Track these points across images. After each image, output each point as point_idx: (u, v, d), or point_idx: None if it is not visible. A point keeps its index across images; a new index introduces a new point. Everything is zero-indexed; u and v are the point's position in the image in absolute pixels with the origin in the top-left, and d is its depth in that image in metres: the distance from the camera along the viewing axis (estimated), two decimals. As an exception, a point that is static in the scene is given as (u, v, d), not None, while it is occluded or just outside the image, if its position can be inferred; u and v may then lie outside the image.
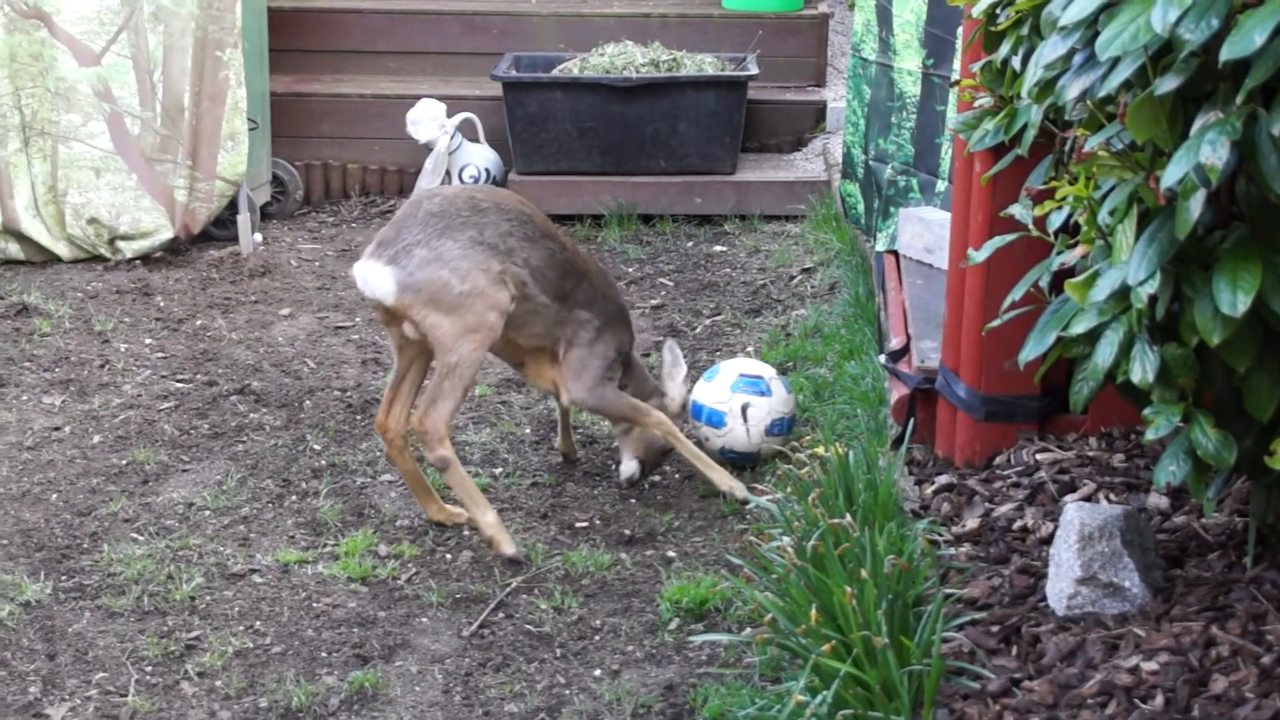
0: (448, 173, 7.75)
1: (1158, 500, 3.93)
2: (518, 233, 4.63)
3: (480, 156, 7.78)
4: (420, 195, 4.68)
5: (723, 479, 4.81)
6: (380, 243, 4.53)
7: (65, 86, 7.01)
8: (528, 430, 5.41)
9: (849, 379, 5.40)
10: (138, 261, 7.03)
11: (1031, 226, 3.54)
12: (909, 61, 5.85)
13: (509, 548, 4.54)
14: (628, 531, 4.74)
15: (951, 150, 5.66)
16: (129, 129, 7.04)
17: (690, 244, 7.28)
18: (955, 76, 5.60)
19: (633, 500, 4.93)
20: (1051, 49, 2.98)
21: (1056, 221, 3.40)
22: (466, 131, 7.82)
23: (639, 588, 4.43)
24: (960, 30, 5.58)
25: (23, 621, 4.26)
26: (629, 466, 4.94)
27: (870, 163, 6.09)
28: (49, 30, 7.00)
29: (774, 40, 8.13)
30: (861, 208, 6.27)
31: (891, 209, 5.95)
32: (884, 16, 5.95)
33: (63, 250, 7.06)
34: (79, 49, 7.00)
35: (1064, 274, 3.32)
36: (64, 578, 4.49)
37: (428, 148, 7.71)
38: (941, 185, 5.74)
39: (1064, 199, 3.30)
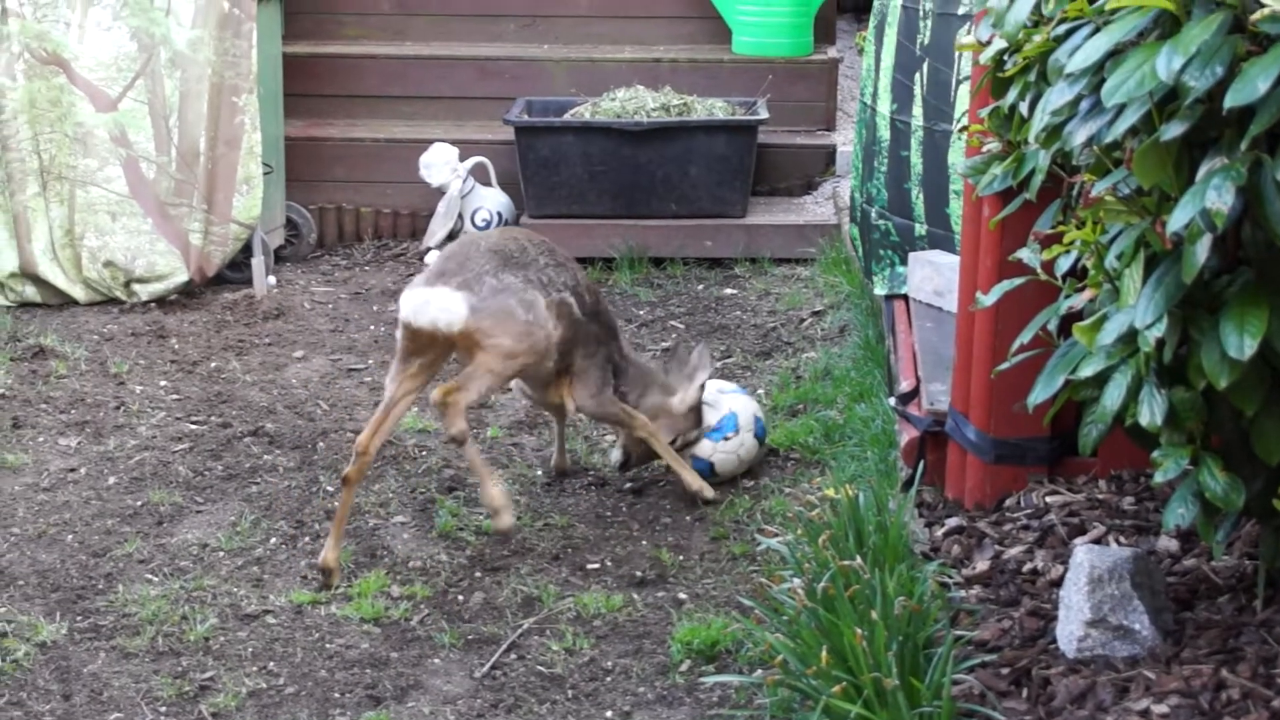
0: (460, 216, 7.80)
1: (1168, 543, 3.95)
2: (552, 263, 4.91)
3: (492, 200, 7.83)
4: (473, 236, 4.94)
5: (692, 480, 5.12)
6: (441, 273, 4.72)
7: (83, 132, 7.07)
8: (539, 472, 5.44)
9: (859, 421, 5.43)
10: (153, 304, 7.08)
11: (1039, 270, 3.57)
12: (884, 105, 5.92)
13: (507, 518, 4.77)
14: (639, 573, 4.76)
15: (923, 195, 5.72)
16: (144, 173, 7.10)
17: (701, 287, 7.32)
18: (915, 123, 5.68)
19: (644, 542, 4.95)
20: (1058, 95, 3.02)
21: (1064, 265, 3.43)
22: (479, 175, 7.87)
23: (650, 629, 4.45)
24: (917, 77, 5.66)
25: (38, 662, 4.29)
26: (616, 455, 5.30)
27: (863, 206, 6.16)
28: (67, 76, 7.07)
29: (784, 84, 8.19)
30: (862, 251, 6.32)
31: (881, 251, 6.00)
32: (876, 61, 6.02)
33: (79, 293, 7.11)
34: (96, 95, 7.07)
35: (1072, 317, 3.35)
36: (79, 618, 4.51)
37: (440, 191, 7.76)
38: (920, 229, 5.78)
39: (1072, 243, 3.32)
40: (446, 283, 4.67)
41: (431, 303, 4.64)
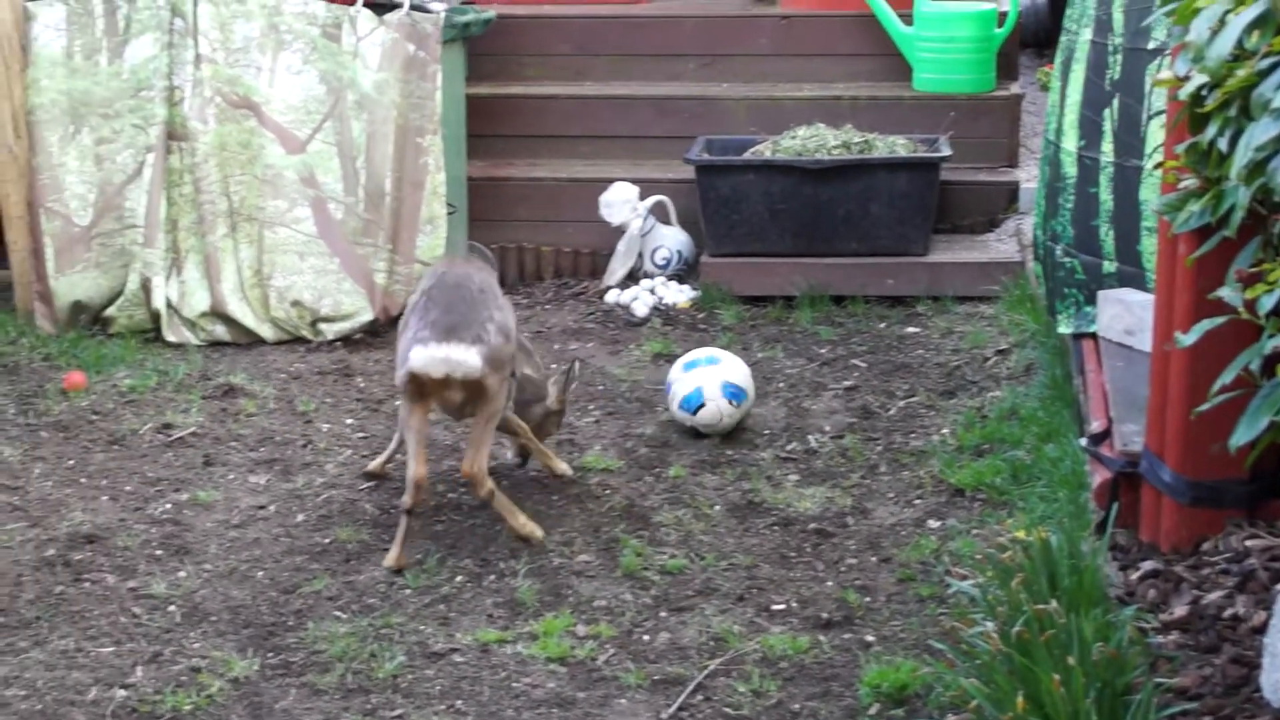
0: (640, 254, 7.83)
1: (1374, 589, 3.84)
2: (500, 298, 5.31)
3: (672, 238, 7.85)
4: (452, 279, 5.23)
5: (558, 465, 5.69)
6: (449, 329, 5.01)
7: (272, 174, 7.22)
8: (720, 510, 5.43)
9: (1048, 462, 5.35)
10: (338, 343, 7.18)
11: (1241, 309, 3.49)
12: (1070, 142, 5.84)
13: (538, 532, 5.20)
14: (825, 614, 4.72)
15: (1113, 232, 5.63)
16: (332, 214, 7.22)
17: (882, 325, 7.26)
18: (1104, 159, 5.59)
19: (829, 582, 4.91)
20: (1263, 131, 2.95)
21: (1268, 304, 3.34)
22: (659, 214, 7.90)
23: (837, 671, 4.41)
24: (1107, 113, 5.57)
25: (231, 698, 4.35)
26: (510, 455, 5.85)
27: (1046, 243, 6.08)
28: (258, 119, 7.22)
29: (966, 121, 8.12)
30: (1046, 288, 6.24)
31: (1065, 290, 5.91)
32: (1062, 98, 5.95)
33: (267, 332, 7.24)
34: (286, 137, 7.21)
35: (1275, 357, 3.27)
36: (270, 654, 4.58)
37: (620, 230, 7.80)
38: (1110, 266, 5.69)
39: (1275, 282, 3.24)
40: (461, 339, 4.99)
41: (450, 359, 4.97)
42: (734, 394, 6.01)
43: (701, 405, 5.98)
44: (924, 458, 5.77)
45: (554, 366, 6.11)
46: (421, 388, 5.04)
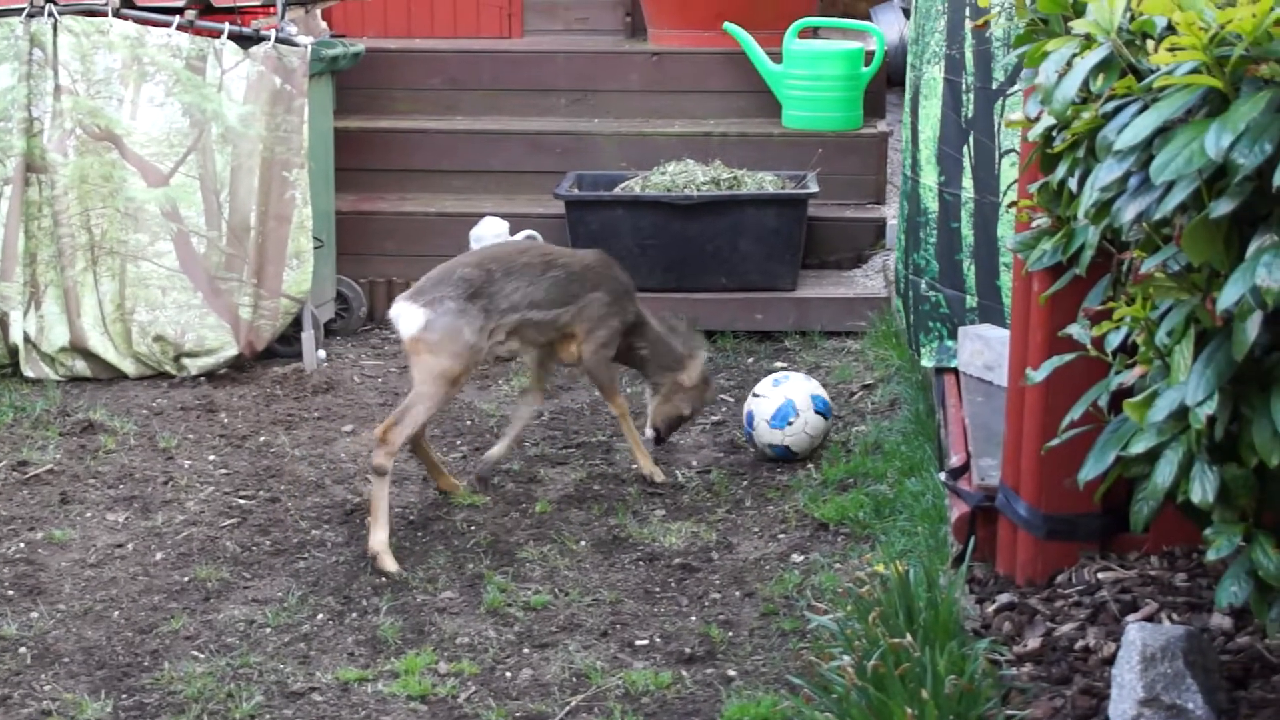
0: (510, 289, 7.81)
1: (1220, 621, 3.89)
2: (524, 284, 5.57)
3: (542, 273, 7.83)
4: (457, 262, 5.61)
5: (647, 464, 5.88)
6: (419, 290, 5.46)
7: (134, 207, 7.13)
8: (586, 545, 5.42)
9: (909, 496, 5.39)
10: (202, 378, 7.10)
11: (1090, 346, 3.54)
12: (929, 178, 5.92)
13: (390, 565, 5.19)
14: (688, 649, 4.73)
15: (975, 267, 5.70)
16: (195, 248, 7.14)
17: (751, 360, 7.30)
18: (965, 195, 5.68)
19: (693, 617, 4.92)
20: (1107, 172, 2.99)
21: (1115, 341, 3.40)
22: (528, 249, 7.88)
23: (699, 707, 4.41)
24: (965, 149, 5.66)
25: (84, 739, 4.28)
26: (650, 431, 6.05)
27: (909, 277, 6.14)
28: (119, 152, 7.13)
29: (834, 158, 8.18)
30: (906, 322, 6.31)
31: (930, 323, 5.98)
32: (914, 133, 6.03)
33: (129, 367, 7.15)
34: (148, 170, 7.13)
35: (1123, 393, 3.31)
36: (124, 696, 4.50)
37: (490, 265, 7.77)
38: (971, 300, 5.76)
39: (1122, 319, 3.30)
40: (416, 300, 5.39)
41: (402, 315, 5.38)
42: (824, 407, 6.11)
43: (791, 420, 6.01)
44: (789, 492, 5.80)
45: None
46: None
